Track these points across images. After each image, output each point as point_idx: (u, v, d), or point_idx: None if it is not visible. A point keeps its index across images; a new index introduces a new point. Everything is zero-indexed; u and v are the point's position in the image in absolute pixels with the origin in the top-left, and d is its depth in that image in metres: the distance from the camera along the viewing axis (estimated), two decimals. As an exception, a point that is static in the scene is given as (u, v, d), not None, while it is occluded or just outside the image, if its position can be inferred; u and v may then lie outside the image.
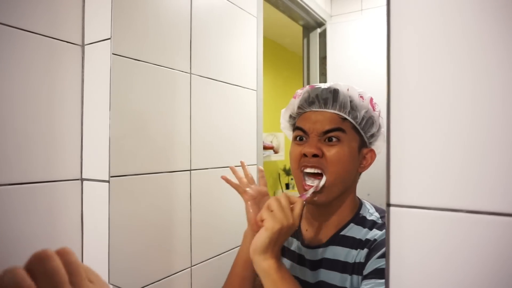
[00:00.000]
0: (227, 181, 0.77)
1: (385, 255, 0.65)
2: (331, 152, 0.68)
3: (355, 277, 0.68)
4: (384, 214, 0.72)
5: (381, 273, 0.61)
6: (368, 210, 0.75)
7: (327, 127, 0.69)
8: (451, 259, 0.35)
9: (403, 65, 0.38)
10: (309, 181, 0.69)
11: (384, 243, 0.66)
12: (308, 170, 0.69)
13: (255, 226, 0.69)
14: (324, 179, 0.67)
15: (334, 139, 0.69)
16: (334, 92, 0.70)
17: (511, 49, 0.33)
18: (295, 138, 0.74)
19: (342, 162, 0.68)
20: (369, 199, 0.77)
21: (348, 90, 0.71)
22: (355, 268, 0.68)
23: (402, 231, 0.38)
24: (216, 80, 0.99)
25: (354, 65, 1.41)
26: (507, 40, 0.33)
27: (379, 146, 0.74)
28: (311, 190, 0.67)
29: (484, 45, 0.34)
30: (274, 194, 1.91)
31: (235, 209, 1.04)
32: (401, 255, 0.38)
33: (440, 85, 0.36)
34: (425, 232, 0.37)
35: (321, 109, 0.71)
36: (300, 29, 1.52)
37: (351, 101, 0.70)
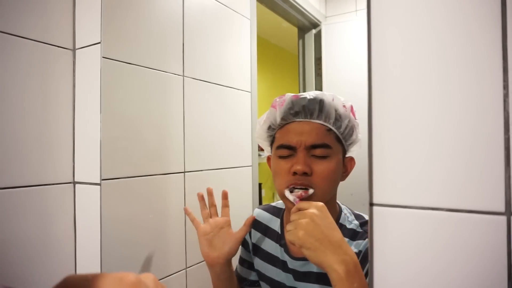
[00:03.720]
0: (188, 213, 0.81)
1: None
2: (320, 168, 0.67)
3: None
4: (362, 220, 0.73)
5: None
6: (348, 218, 0.74)
7: (315, 141, 0.68)
8: (434, 257, 0.35)
9: (384, 63, 0.39)
10: (295, 192, 0.67)
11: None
12: (298, 187, 0.67)
13: (207, 260, 0.77)
14: (311, 191, 0.66)
15: (321, 156, 0.68)
16: (321, 103, 0.69)
17: (494, 43, 0.33)
18: (279, 156, 0.71)
19: (330, 177, 0.68)
20: (352, 199, 0.77)
21: (333, 100, 0.69)
22: None
23: (385, 230, 0.38)
24: (209, 82, 0.99)
25: (350, 65, 1.41)
26: (489, 33, 0.33)
27: (353, 151, 0.73)
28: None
29: (469, 39, 0.34)
30: (273, 195, 1.90)
31: (230, 211, 1.04)
32: (384, 254, 0.38)
33: (422, 83, 0.36)
34: (407, 230, 0.37)
35: (306, 119, 0.69)
36: (295, 29, 1.52)
37: (336, 111, 0.69)
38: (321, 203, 0.60)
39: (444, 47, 0.35)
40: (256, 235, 0.85)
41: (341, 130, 0.69)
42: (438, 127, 0.35)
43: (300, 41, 1.52)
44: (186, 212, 0.81)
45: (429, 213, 0.36)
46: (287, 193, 0.67)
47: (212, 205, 0.81)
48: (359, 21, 1.43)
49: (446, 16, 0.35)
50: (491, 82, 0.33)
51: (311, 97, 0.70)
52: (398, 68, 0.38)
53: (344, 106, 0.70)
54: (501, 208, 0.32)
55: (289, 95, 0.73)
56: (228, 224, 0.79)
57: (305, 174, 0.66)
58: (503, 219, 0.32)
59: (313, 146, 0.68)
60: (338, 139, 0.70)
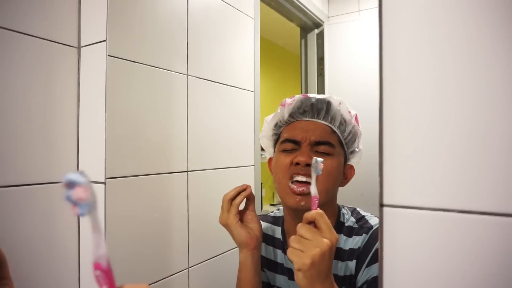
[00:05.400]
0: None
1: (372, 261, 0.65)
2: (324, 163, 0.66)
3: None
4: (358, 216, 0.74)
5: (374, 283, 0.61)
6: (345, 215, 0.75)
7: (320, 138, 0.69)
8: (444, 258, 0.35)
9: (395, 64, 0.38)
10: (297, 187, 0.67)
11: (367, 248, 0.67)
12: (299, 178, 0.67)
13: (251, 244, 0.70)
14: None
15: (325, 153, 0.69)
16: (328, 104, 0.71)
17: (507, 47, 0.33)
18: (283, 150, 0.72)
19: (332, 174, 0.69)
20: (363, 200, 0.78)
21: (340, 104, 0.72)
22: (346, 281, 0.68)
23: (395, 231, 0.38)
24: (213, 81, 0.99)
25: (352, 65, 1.42)
26: (503, 37, 0.33)
27: (354, 162, 0.75)
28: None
29: (479, 42, 0.34)
30: (273, 195, 1.90)
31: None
32: (394, 254, 0.38)
33: (433, 85, 0.36)
34: (418, 232, 0.37)
35: (312, 119, 0.72)
36: (298, 29, 1.52)
37: (341, 115, 0.71)
38: (336, 236, 0.55)
39: (457, 47, 0.35)
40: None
41: (345, 134, 0.72)
42: (451, 127, 0.35)
43: (303, 41, 1.52)
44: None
45: (440, 214, 0.36)
46: (289, 183, 0.68)
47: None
48: (362, 21, 1.43)
49: (460, 15, 0.35)
50: (504, 84, 0.33)
51: (320, 97, 0.73)
52: (410, 68, 0.38)
53: (349, 112, 0.72)
54: (514, 210, 0.32)
55: (299, 95, 0.75)
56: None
57: (308, 165, 0.66)
58: (515, 221, 0.32)
59: (317, 142, 0.69)
60: (340, 143, 0.72)
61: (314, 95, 0.73)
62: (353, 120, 0.72)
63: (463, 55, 0.35)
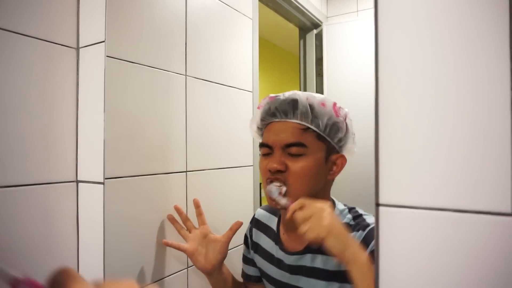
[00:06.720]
0: (173, 223, 0.84)
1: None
2: (295, 166, 0.69)
3: (336, 284, 0.68)
4: (356, 214, 0.73)
5: None
6: (341, 212, 0.74)
7: (289, 141, 0.70)
8: (440, 258, 0.35)
9: (391, 64, 0.39)
10: (274, 191, 0.70)
11: (364, 245, 0.67)
12: (274, 183, 0.70)
13: (205, 271, 0.81)
14: (284, 189, 0.69)
15: (297, 154, 0.69)
16: (293, 102, 0.70)
17: (500, 44, 0.33)
18: (262, 153, 0.75)
19: (306, 175, 0.69)
20: (360, 199, 0.77)
21: (307, 99, 0.71)
22: (340, 276, 0.68)
23: (391, 230, 0.38)
24: (211, 81, 0.99)
25: (350, 65, 1.42)
26: (495, 33, 0.33)
27: (349, 148, 0.74)
28: (284, 202, 0.68)
29: (473, 40, 0.34)
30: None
31: (231, 210, 1.04)
32: (390, 253, 0.38)
33: (429, 83, 0.36)
34: (414, 231, 0.37)
35: (283, 119, 0.71)
36: (297, 30, 1.53)
37: (312, 110, 0.70)
38: (321, 202, 0.62)
39: (452, 47, 0.35)
40: (256, 233, 0.87)
41: (321, 128, 0.70)
42: (446, 127, 0.35)
43: (301, 41, 1.52)
44: (171, 221, 0.84)
45: (435, 213, 0.36)
46: (267, 187, 0.71)
47: (186, 220, 0.85)
48: (360, 21, 1.44)
49: (455, 17, 0.35)
50: (499, 83, 0.33)
51: (284, 97, 0.73)
52: (405, 67, 0.38)
53: (322, 104, 0.70)
54: (508, 209, 0.32)
55: (266, 97, 0.76)
56: (208, 230, 0.83)
57: (279, 171, 0.69)
58: (510, 220, 0.32)
59: (287, 145, 0.70)
60: (320, 137, 0.70)
61: (280, 95, 0.74)
62: (330, 111, 0.70)
63: (460, 54, 0.35)
